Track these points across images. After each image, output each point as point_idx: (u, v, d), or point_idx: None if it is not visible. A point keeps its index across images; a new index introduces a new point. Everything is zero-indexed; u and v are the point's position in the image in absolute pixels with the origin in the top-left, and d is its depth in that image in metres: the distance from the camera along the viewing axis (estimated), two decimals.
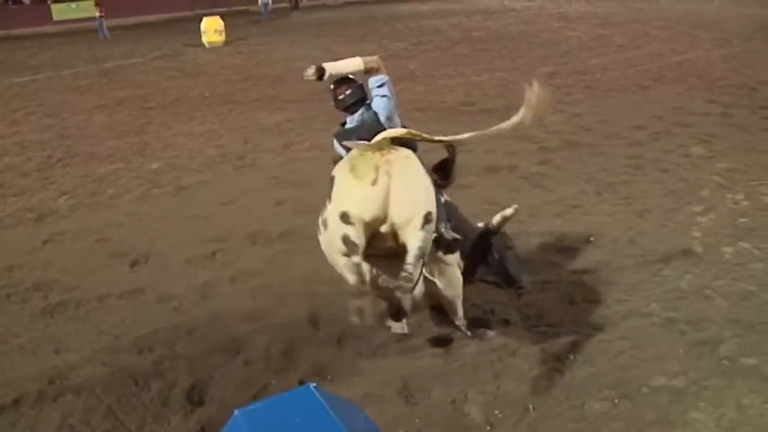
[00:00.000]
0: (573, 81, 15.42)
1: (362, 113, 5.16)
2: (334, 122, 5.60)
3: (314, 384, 2.86)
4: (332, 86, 5.27)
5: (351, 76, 5.27)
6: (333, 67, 5.21)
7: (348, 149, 4.73)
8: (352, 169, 4.33)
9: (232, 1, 38.91)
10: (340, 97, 5.23)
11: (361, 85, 5.29)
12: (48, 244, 7.97)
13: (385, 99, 5.18)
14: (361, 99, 5.19)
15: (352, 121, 5.21)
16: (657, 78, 15.29)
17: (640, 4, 31.87)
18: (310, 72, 5.23)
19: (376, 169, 4.25)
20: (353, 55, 5.34)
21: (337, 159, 4.86)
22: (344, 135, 5.08)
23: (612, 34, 22.61)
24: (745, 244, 6.91)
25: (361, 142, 4.47)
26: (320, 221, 4.71)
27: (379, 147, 4.39)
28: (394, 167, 4.30)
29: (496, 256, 5.53)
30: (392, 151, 4.43)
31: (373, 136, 4.48)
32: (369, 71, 5.25)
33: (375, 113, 5.13)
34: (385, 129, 4.71)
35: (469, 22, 28.44)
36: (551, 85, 14.95)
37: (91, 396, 5.12)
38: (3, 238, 8.24)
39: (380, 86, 5.22)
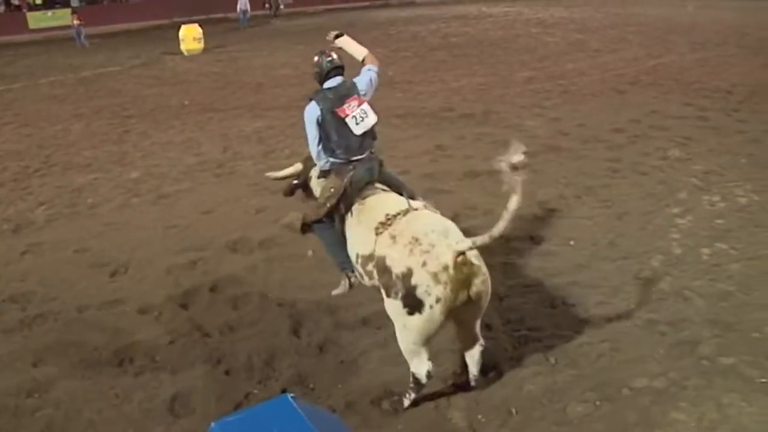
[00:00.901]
0: (551, 86, 15.51)
1: (344, 80, 5.37)
2: None
3: (292, 394, 2.85)
4: (319, 54, 5.41)
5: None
6: (346, 41, 5.92)
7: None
8: None
9: (210, 8, 38.79)
10: (329, 58, 5.36)
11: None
12: (26, 255, 7.88)
13: (372, 73, 5.56)
14: (342, 67, 5.42)
15: (332, 83, 5.33)
16: (634, 82, 15.43)
17: (616, 9, 32.15)
18: (332, 35, 5.97)
19: None
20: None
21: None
22: (321, 94, 5.27)
23: (589, 39, 22.78)
24: (723, 245, 6.98)
25: None
26: None
27: None
28: None
29: None
30: None
31: (346, 96, 5.20)
32: (364, 62, 5.72)
33: (354, 83, 5.40)
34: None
35: (447, 28, 28.54)
36: (529, 90, 15.06)
37: (71, 409, 5.08)
38: None
39: (371, 69, 5.60)
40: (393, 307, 4.54)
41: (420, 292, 4.32)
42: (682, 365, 5.07)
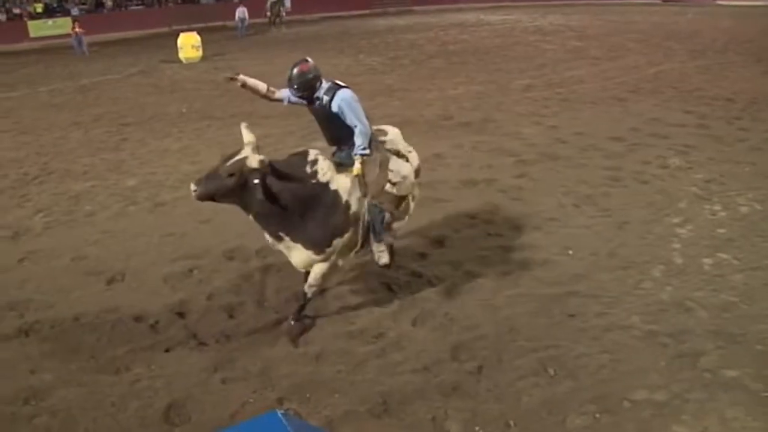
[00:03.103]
0: (549, 94, 15.51)
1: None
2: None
3: (282, 410, 2.81)
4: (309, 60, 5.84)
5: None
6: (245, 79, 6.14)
7: None
8: None
9: (208, 16, 38.83)
10: None
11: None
12: (23, 262, 7.84)
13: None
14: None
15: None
16: (633, 90, 15.43)
17: (615, 17, 32.24)
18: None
19: None
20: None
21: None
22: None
23: (587, 46, 22.82)
24: (725, 255, 6.96)
25: None
26: None
27: None
28: None
29: None
30: None
31: None
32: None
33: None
34: None
35: (445, 35, 28.57)
36: (528, 98, 15.05)
37: (67, 417, 5.04)
38: None
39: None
40: None
41: None
42: (684, 377, 5.04)
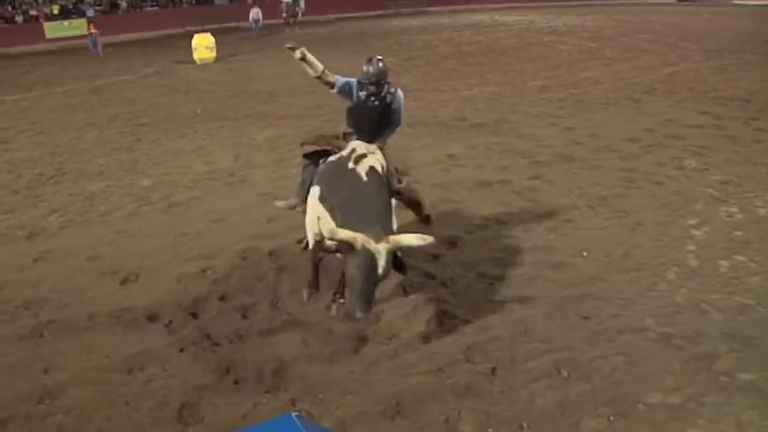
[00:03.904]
0: (564, 95, 15.45)
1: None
2: None
3: (296, 412, 2.80)
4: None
5: None
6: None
7: None
8: None
9: (222, 17, 38.97)
10: None
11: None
12: (38, 262, 7.88)
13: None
14: None
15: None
16: (648, 90, 15.33)
17: (630, 17, 32.07)
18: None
19: None
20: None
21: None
22: None
23: (602, 47, 22.71)
24: (741, 257, 6.89)
25: None
26: None
27: None
28: None
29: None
30: None
31: None
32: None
33: None
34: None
35: (459, 36, 28.52)
36: (542, 99, 14.99)
37: (81, 416, 5.06)
38: None
39: None
40: None
41: None
42: (699, 380, 4.99)
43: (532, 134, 12.10)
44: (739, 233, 7.49)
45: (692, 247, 7.20)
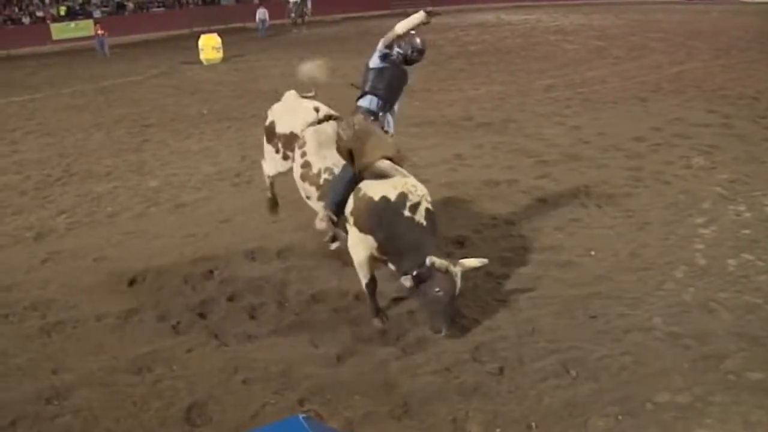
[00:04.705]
0: (571, 94, 15.42)
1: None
2: None
3: (304, 414, 2.80)
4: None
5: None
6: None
7: None
8: None
9: (229, 18, 39.01)
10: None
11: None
12: (46, 263, 7.91)
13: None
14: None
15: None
16: (655, 89, 15.29)
17: (637, 16, 32.00)
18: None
19: None
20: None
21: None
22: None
23: (609, 46, 22.66)
24: (749, 256, 6.87)
25: None
26: None
27: None
28: None
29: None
30: None
31: None
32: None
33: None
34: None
35: (465, 36, 28.50)
36: (549, 98, 14.95)
37: (89, 417, 5.07)
38: (1, 257, 8.18)
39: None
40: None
41: None
42: (708, 380, 4.97)
43: (538, 133, 12.08)
44: (747, 232, 7.46)
45: (700, 246, 7.17)
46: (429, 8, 6.35)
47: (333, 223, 5.99)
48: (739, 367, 5.08)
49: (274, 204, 7.48)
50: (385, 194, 5.71)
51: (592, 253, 7.20)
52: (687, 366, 5.16)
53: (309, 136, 6.42)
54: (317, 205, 6.26)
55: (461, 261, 5.60)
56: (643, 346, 5.45)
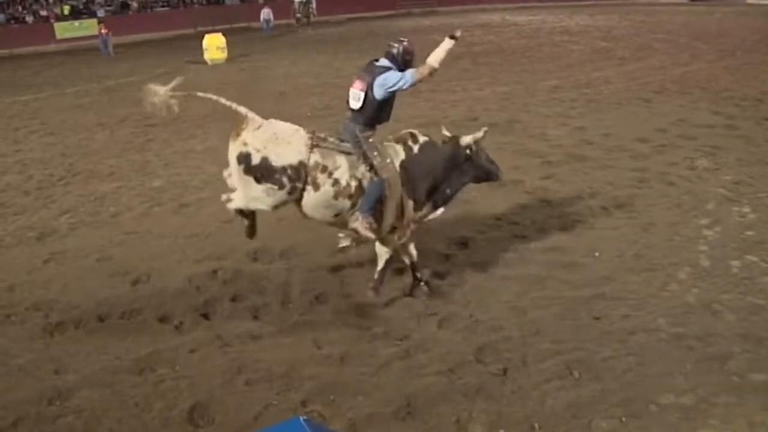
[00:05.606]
0: (576, 94, 15.39)
1: (381, 63, 6.39)
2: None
3: (304, 416, 2.79)
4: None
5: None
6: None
7: None
8: None
9: (233, 17, 39.03)
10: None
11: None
12: (49, 263, 7.91)
13: (394, 75, 6.28)
14: (391, 54, 6.57)
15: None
16: (660, 90, 15.25)
17: (642, 17, 31.92)
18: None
19: None
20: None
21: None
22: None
23: (614, 47, 22.61)
24: (753, 258, 6.85)
25: None
26: None
27: None
28: None
29: None
30: None
31: (362, 76, 6.26)
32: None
33: (379, 71, 6.24)
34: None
35: (470, 36, 28.42)
36: (554, 99, 14.92)
37: (91, 417, 5.07)
38: (3, 257, 8.18)
39: (403, 73, 6.39)
40: None
41: None
42: (711, 381, 4.96)
43: (543, 134, 12.06)
44: (751, 233, 7.44)
45: (704, 248, 7.16)
46: (452, 33, 6.56)
47: (372, 229, 6.00)
48: (743, 369, 5.07)
49: (254, 231, 6.63)
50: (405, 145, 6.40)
51: (596, 254, 7.19)
52: (691, 367, 5.15)
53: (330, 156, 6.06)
54: (351, 219, 6.03)
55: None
56: (647, 348, 5.44)
